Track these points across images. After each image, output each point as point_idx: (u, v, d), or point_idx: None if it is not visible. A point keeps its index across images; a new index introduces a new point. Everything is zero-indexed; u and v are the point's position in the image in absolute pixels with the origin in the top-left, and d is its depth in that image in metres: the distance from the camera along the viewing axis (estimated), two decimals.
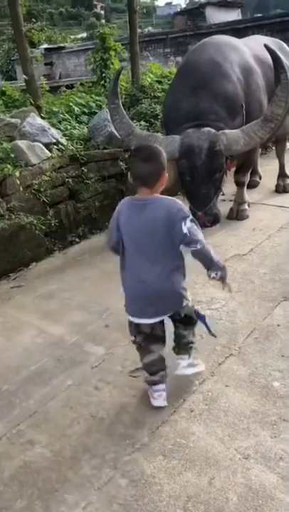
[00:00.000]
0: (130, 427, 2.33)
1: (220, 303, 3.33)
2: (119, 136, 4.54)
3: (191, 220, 2.27)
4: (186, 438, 2.22)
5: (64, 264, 4.36)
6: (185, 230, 2.23)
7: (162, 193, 2.34)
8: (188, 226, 2.24)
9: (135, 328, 2.46)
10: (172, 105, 4.20)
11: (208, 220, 3.92)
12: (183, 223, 2.23)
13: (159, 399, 2.44)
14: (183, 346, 2.58)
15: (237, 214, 4.86)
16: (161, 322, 2.46)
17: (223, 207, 4.46)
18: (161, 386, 2.46)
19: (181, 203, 2.30)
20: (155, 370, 2.46)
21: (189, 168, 3.84)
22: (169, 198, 2.31)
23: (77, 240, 4.85)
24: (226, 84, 3.99)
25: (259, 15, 21.95)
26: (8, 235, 4.15)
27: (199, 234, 2.30)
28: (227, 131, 3.82)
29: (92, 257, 4.41)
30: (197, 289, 3.54)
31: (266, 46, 3.88)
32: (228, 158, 3.98)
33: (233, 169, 4.71)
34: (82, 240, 4.87)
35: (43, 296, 3.79)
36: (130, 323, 2.48)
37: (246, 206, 4.94)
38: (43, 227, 4.42)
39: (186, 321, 2.51)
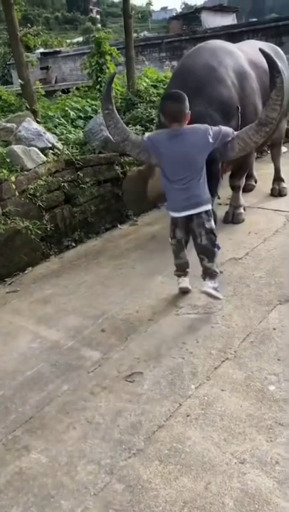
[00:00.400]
0: (126, 432, 2.32)
1: (216, 307, 3.33)
2: (114, 141, 4.54)
3: (212, 128, 3.16)
4: (182, 443, 2.21)
5: (60, 269, 4.36)
6: (211, 140, 3.12)
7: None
8: (212, 136, 3.13)
9: (173, 227, 3.46)
10: None
11: None
12: (208, 135, 3.12)
13: (183, 283, 3.59)
14: (209, 273, 3.36)
15: (233, 218, 4.87)
16: (188, 233, 3.44)
17: (219, 211, 4.47)
18: (185, 278, 3.61)
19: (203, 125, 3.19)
20: (181, 268, 3.61)
21: None
22: (193, 125, 3.21)
23: (73, 244, 4.84)
24: (221, 89, 4.00)
25: (254, 19, 22.06)
26: (4, 239, 4.14)
27: (225, 135, 3.24)
28: None
29: (88, 262, 4.41)
30: (193, 292, 3.55)
31: (261, 50, 3.88)
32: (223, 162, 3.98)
33: (229, 173, 4.73)
34: (78, 245, 4.87)
35: (39, 301, 3.78)
36: (171, 223, 3.48)
37: (242, 210, 4.95)
38: (39, 232, 4.41)
39: (208, 253, 3.35)
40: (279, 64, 3.90)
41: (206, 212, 3.33)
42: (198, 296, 3.49)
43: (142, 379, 2.68)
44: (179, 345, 2.94)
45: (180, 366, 2.74)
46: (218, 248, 3.40)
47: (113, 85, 7.39)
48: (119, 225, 5.27)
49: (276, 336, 2.93)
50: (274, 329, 3.00)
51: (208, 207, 3.34)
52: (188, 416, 2.37)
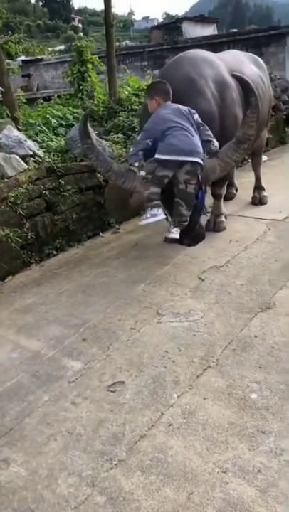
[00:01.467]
0: (108, 442, 2.29)
1: (198, 314, 3.33)
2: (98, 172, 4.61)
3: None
4: (164, 453, 2.19)
5: (41, 277, 4.31)
6: (198, 120, 3.87)
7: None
8: (196, 117, 3.89)
9: (157, 165, 3.78)
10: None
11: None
12: (194, 113, 3.89)
13: (174, 233, 3.92)
14: (180, 223, 3.88)
15: (214, 226, 4.90)
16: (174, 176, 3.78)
17: (201, 219, 4.49)
18: (154, 211, 3.91)
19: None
20: (152, 198, 3.89)
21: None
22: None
23: (55, 252, 4.80)
24: (201, 102, 4.07)
25: (234, 30, 22.34)
26: None
27: (205, 128, 3.90)
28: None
29: (70, 270, 4.38)
30: (175, 301, 3.55)
31: (234, 75, 4.06)
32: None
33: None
34: (60, 253, 4.83)
35: (19, 310, 3.73)
36: (157, 164, 3.80)
37: (223, 218, 4.99)
38: (20, 240, 4.36)
39: (188, 199, 3.83)
40: (258, 73, 4.02)
41: (200, 165, 3.78)
42: (181, 303, 3.49)
43: (124, 388, 2.66)
44: (161, 353, 2.93)
45: (162, 375, 2.73)
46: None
47: (95, 93, 7.44)
48: (101, 233, 5.25)
49: (257, 344, 2.94)
50: (255, 337, 3.01)
51: (200, 158, 3.79)
52: (170, 425, 2.35)
